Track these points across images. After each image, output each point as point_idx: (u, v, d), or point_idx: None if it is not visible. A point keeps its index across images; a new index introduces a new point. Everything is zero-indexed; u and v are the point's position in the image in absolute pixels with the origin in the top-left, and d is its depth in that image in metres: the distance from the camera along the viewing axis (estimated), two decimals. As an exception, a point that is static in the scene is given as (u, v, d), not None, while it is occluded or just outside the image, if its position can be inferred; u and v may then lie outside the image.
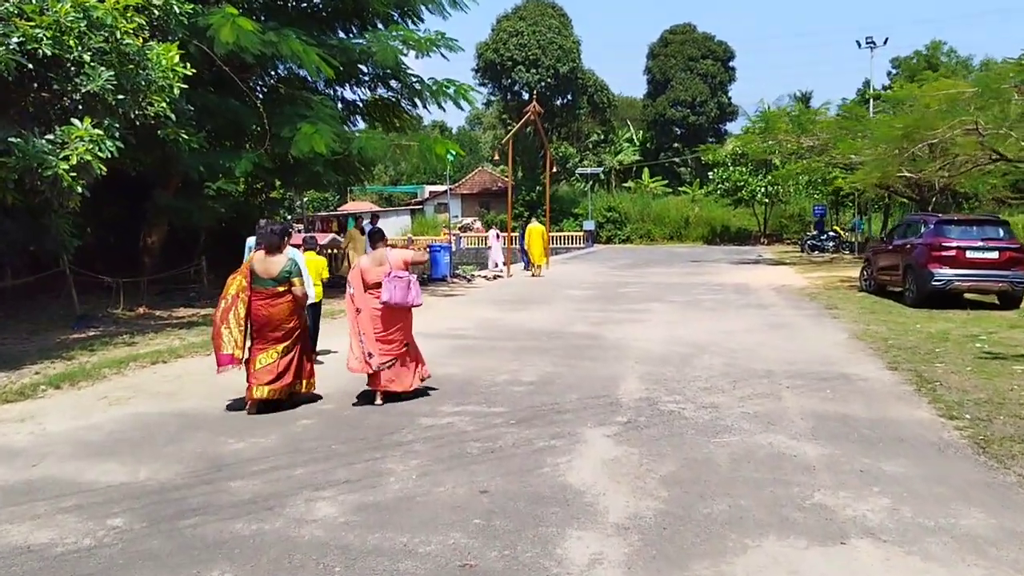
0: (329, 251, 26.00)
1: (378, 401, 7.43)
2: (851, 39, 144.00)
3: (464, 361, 9.76)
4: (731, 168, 46.66)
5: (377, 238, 7.85)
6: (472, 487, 5.18)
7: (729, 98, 61.50)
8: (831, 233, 37.10)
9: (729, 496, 5.02)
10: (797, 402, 7.58)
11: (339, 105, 19.59)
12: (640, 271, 26.80)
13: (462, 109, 20.63)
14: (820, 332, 12.28)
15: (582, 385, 8.35)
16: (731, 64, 61.32)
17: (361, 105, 19.90)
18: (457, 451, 5.99)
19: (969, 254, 14.79)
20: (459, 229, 50.33)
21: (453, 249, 28.23)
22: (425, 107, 18.90)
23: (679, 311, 15.16)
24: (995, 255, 14.71)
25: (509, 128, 44.39)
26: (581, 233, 49.35)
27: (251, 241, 14.69)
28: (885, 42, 38.37)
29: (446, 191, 59.22)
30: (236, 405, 7.45)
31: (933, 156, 21.05)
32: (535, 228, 25.79)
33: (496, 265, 27.87)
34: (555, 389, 8.15)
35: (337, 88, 19.91)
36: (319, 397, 7.79)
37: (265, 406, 7.17)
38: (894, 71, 64.90)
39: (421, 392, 7.88)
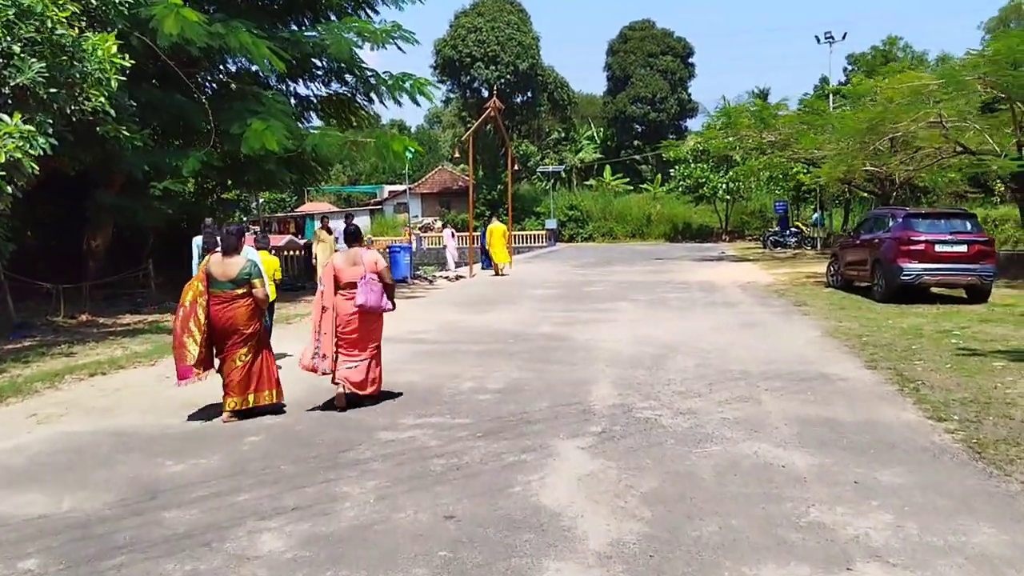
0: (285, 253, 25.29)
1: (340, 404, 7.15)
2: (808, 36, 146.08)
3: (426, 367, 9.25)
4: (692, 165, 46.67)
5: (353, 237, 7.59)
6: (436, 512, 4.68)
7: (689, 95, 61.69)
8: (793, 229, 37.16)
9: (718, 515, 4.58)
10: (778, 405, 7.20)
11: (292, 101, 18.92)
12: (604, 270, 26.47)
13: (419, 104, 20.10)
14: (792, 330, 11.98)
15: (552, 391, 7.89)
16: (691, 60, 61.52)
17: (315, 101, 19.24)
18: (419, 469, 5.48)
19: (938, 248, 14.63)
20: (419, 229, 49.65)
21: (413, 249, 27.62)
22: (381, 102, 18.35)
23: (646, 310, 14.79)
24: (964, 248, 14.57)
25: (469, 126, 43.83)
26: (543, 232, 48.99)
27: (198, 240, 14.03)
28: (844, 37, 38.90)
29: (405, 191, 58.53)
30: (189, 418, 6.85)
31: (895, 150, 21.00)
32: (496, 227, 25.40)
33: (452, 266, 27.36)
34: (523, 397, 7.68)
35: (290, 83, 19.25)
36: (283, 407, 7.28)
37: (241, 413, 6.93)
38: (850, 67, 65.72)
39: (386, 395, 7.59)
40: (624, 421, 6.71)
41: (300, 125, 17.37)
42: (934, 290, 15.68)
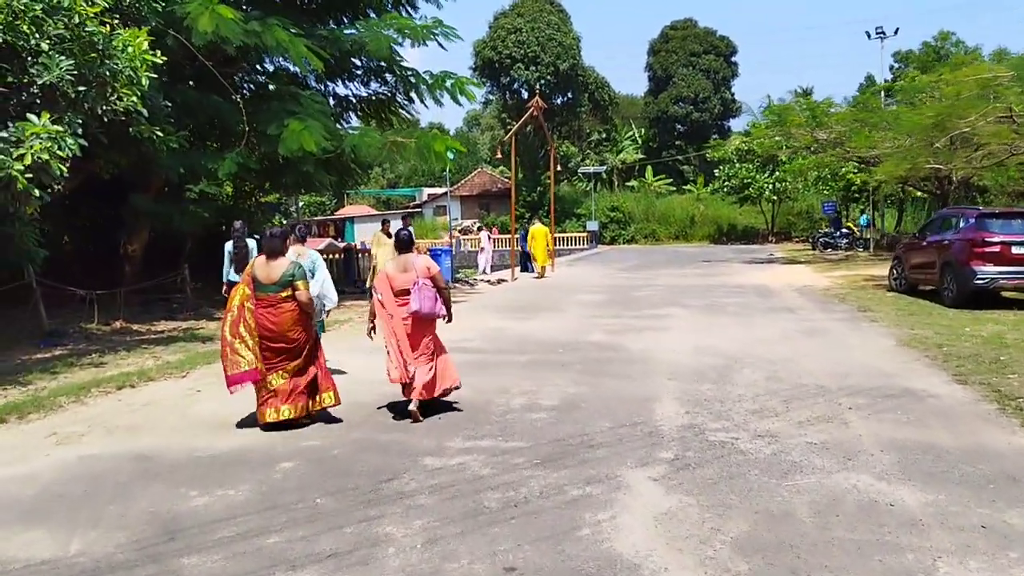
0: (327, 256, 24.88)
1: (413, 405, 6.91)
2: (851, 34, 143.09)
3: (472, 380, 8.59)
4: (737, 165, 45.53)
5: (404, 244, 7.34)
6: (494, 562, 4.02)
7: (732, 94, 60.44)
8: (844, 230, 35.91)
9: (829, 571, 3.86)
10: (867, 427, 6.43)
11: (331, 102, 18.45)
12: (650, 273, 25.65)
13: (460, 104, 19.41)
14: (862, 338, 11.13)
15: (612, 409, 7.19)
16: (733, 59, 60.26)
17: (354, 101, 18.75)
18: (472, 505, 4.82)
19: (1015, 250, 13.62)
20: (459, 232, 49.19)
21: (453, 252, 27.07)
22: (422, 102, 17.78)
23: (702, 316, 14.00)
24: (1043, 250, 13.55)
25: (508, 128, 43.21)
26: (584, 234, 48.20)
27: (229, 246, 13.56)
28: (896, 32, 37.45)
29: (445, 193, 58.08)
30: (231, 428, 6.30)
31: (954, 147, 19.88)
32: (538, 229, 24.89)
33: (485, 270, 26.77)
34: (581, 415, 6.99)
35: (328, 84, 18.78)
36: (337, 420, 6.98)
37: (278, 424, 6.68)
38: (896, 65, 64.01)
39: (445, 406, 7.36)
40: (697, 446, 5.99)
41: (339, 126, 16.85)
42: (1007, 295, 14.66)
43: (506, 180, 56.06)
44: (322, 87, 18.79)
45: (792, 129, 27.73)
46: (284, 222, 26.74)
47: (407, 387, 7.04)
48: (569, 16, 52.56)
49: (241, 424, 6.87)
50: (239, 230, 13.43)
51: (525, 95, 49.18)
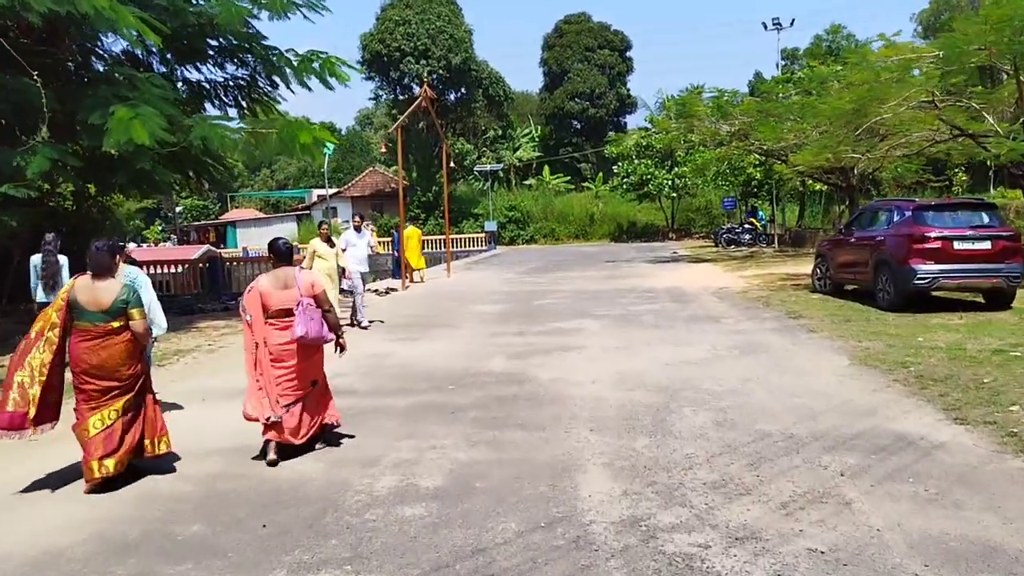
0: (201, 266, 21.97)
1: (271, 456, 5.82)
2: (736, 33, 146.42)
3: (326, 448, 6.33)
4: (636, 161, 44.44)
5: (282, 254, 6.23)
6: None
7: (628, 90, 59.61)
8: (747, 226, 35.09)
9: None
10: (882, 512, 4.53)
11: (182, 88, 15.73)
12: (554, 276, 23.77)
13: (331, 88, 16.83)
14: (809, 356, 9.42)
15: (519, 492, 5.07)
16: (628, 55, 59.42)
17: (209, 88, 16.01)
18: None
19: (957, 245, 12.29)
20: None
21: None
22: (287, 86, 15.27)
23: (617, 330, 12.09)
24: (987, 245, 12.26)
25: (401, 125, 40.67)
26: (482, 235, 46.23)
27: (36, 259, 10.96)
28: (792, 23, 37.06)
29: (335, 193, 55.09)
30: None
31: (878, 136, 18.73)
32: (412, 231, 22.99)
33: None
34: (476, 508, 4.84)
35: (180, 68, 16.02)
36: (176, 459, 5.82)
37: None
38: (783, 62, 64.79)
39: (332, 440, 6.32)
40: (652, 566, 3.94)
41: (189, 115, 14.15)
42: (939, 295, 13.38)
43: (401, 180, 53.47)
44: (173, 71, 16.04)
45: (695, 121, 26.44)
46: (163, 228, 23.82)
47: (270, 426, 5.89)
48: (460, 9, 50.42)
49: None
50: (49, 243, 11.02)
51: (416, 90, 46.75)
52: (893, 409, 6.82)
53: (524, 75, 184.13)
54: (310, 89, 14.17)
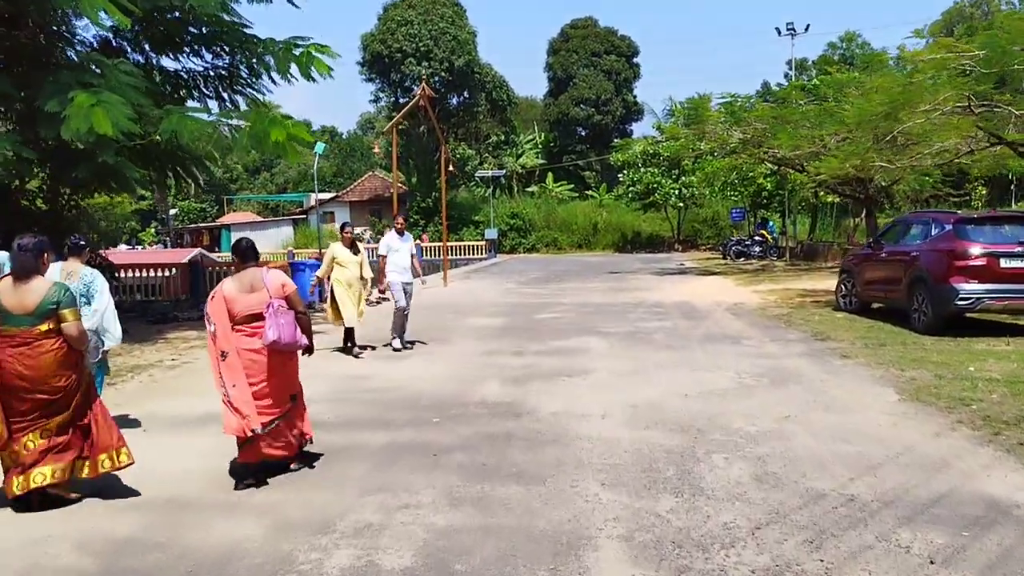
0: (162, 271, 20.77)
1: (248, 481, 5.35)
2: (744, 45, 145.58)
3: (280, 498, 5.13)
4: (643, 169, 43.29)
5: (245, 255, 5.79)
6: None
7: (635, 96, 58.48)
8: (757, 237, 33.88)
9: None
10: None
11: (159, 79, 14.56)
12: (556, 287, 22.57)
13: (313, 80, 15.29)
14: (850, 388, 8.20)
15: (512, 581, 3.87)
16: (635, 60, 58.34)
17: (187, 78, 14.81)
18: None
19: (1004, 263, 11.08)
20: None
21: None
22: (269, 76, 14.03)
23: (626, 351, 10.88)
24: (1038, 263, 11.06)
25: (401, 128, 39.57)
26: (483, 242, 45.08)
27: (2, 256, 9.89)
28: (807, 29, 36.03)
29: (332, 198, 54.05)
30: None
31: (895, 144, 17.55)
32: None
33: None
34: (453, 607, 3.64)
35: (156, 57, 14.85)
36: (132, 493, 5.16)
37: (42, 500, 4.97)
38: (790, 73, 63.75)
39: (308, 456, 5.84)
40: None
41: (161, 107, 12.97)
42: (974, 316, 12.13)
43: (400, 185, 52.31)
44: (149, 61, 14.88)
45: (706, 127, 25.26)
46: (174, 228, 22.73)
47: (249, 446, 5.40)
48: (465, 10, 49.35)
49: None
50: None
51: (417, 92, 45.67)
52: (968, 462, 5.61)
53: (528, 81, 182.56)
54: (290, 80, 12.71)
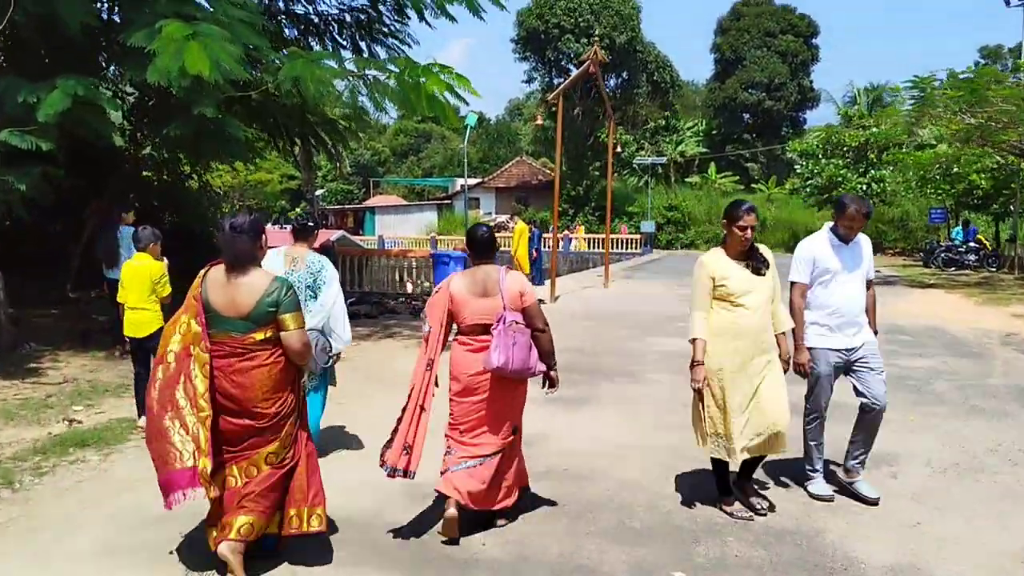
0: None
1: (454, 517, 4.22)
2: (932, 29, 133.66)
3: None
4: (823, 160, 38.21)
5: (482, 245, 4.54)
6: None
7: (811, 81, 52.88)
8: (973, 244, 28.57)
9: None
10: None
11: (286, 23, 11.94)
12: (741, 294, 18.74)
13: (482, 17, 12.98)
14: None
15: None
16: (814, 41, 52.66)
17: (318, 22, 12.09)
18: None
19: None
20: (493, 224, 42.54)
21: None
22: (422, 17, 11.09)
23: (921, 415, 7.19)
24: None
25: (552, 109, 36.49)
26: (637, 236, 41.42)
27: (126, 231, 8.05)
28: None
29: (477, 183, 51.84)
30: None
31: None
32: (520, 227, 19.80)
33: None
34: None
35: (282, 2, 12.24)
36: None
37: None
38: (983, 61, 56.30)
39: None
40: None
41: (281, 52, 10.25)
42: None
43: (548, 172, 49.26)
44: (273, 3, 12.30)
45: (935, 111, 20.72)
46: (251, 212, 20.83)
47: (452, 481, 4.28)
48: (629, -18, 45.52)
49: None
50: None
51: (573, 72, 42.40)
52: None
53: (688, 65, 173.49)
54: (453, 19, 9.64)
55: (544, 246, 25.61)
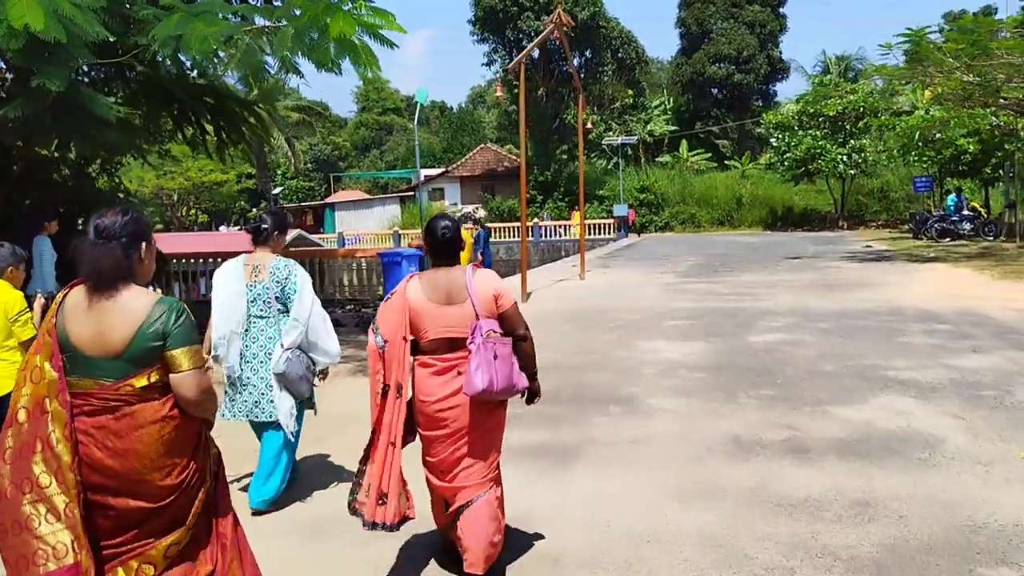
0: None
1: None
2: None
3: None
4: (800, 133, 36.57)
5: (443, 245, 3.73)
6: None
7: (780, 52, 51.21)
8: (967, 212, 26.98)
9: None
10: None
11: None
12: (733, 281, 16.89)
13: None
14: None
15: None
16: (781, 11, 51.00)
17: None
18: None
19: None
20: (457, 215, 40.32)
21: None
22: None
23: (1006, 443, 5.30)
24: None
25: (515, 91, 34.39)
26: (610, 220, 39.56)
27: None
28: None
29: (441, 173, 49.72)
30: None
31: None
32: (464, 235, 16.58)
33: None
34: None
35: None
36: None
37: None
38: (947, 28, 55.22)
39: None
40: None
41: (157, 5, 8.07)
42: None
43: (514, 158, 47.15)
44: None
45: (932, 68, 18.98)
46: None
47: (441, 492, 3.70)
48: (588, -43, 43.44)
49: None
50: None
51: (536, 54, 40.32)
52: None
53: (653, 41, 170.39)
54: None
55: (511, 236, 23.54)
